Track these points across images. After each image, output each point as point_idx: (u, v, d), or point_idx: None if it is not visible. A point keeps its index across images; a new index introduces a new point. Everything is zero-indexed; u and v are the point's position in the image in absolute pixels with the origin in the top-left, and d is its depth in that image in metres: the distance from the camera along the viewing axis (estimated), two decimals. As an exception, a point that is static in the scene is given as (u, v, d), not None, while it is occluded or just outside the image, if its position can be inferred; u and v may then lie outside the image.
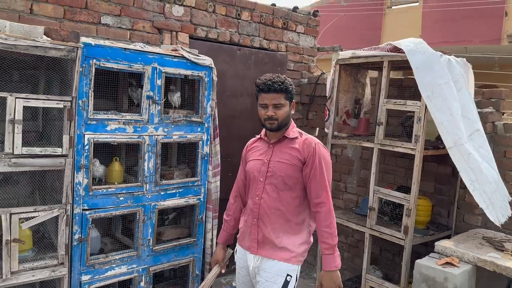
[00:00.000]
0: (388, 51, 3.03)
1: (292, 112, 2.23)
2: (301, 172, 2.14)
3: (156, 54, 2.74)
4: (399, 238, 2.93)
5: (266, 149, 2.25)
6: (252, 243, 2.21)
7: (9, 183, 2.64)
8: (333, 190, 4.29)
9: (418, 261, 2.55)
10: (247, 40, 4.02)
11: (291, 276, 2.14)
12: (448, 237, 3.00)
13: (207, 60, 2.99)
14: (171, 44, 3.40)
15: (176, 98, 2.97)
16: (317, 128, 4.51)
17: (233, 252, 2.44)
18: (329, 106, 3.64)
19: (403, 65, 3.03)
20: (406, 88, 3.45)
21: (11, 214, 2.19)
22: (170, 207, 2.95)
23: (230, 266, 2.86)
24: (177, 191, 2.94)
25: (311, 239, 2.26)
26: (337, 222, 3.54)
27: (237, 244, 2.36)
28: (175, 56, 2.83)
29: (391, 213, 3.19)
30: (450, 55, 2.99)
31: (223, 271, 2.48)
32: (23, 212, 2.24)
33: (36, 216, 2.27)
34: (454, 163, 2.74)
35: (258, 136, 2.37)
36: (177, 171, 3.05)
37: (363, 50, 3.29)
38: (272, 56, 4.23)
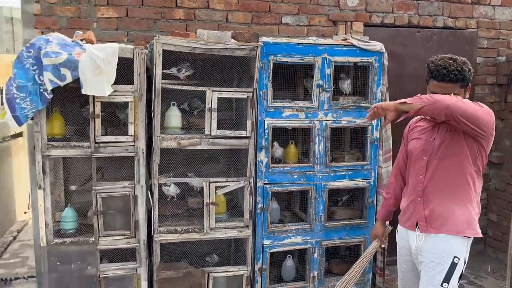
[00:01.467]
0: None
1: (467, 96, 2.10)
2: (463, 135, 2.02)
3: (326, 45, 2.97)
4: None
5: (431, 128, 2.18)
6: (420, 221, 2.16)
7: (212, 161, 3.32)
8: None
9: None
10: (428, 21, 3.84)
11: (459, 258, 2.04)
12: None
13: (378, 46, 3.05)
14: (345, 34, 3.57)
15: (346, 85, 3.14)
16: (518, 112, 3.95)
17: (392, 229, 2.48)
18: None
19: None
20: None
21: (209, 183, 2.80)
22: (339, 187, 3.15)
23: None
24: (346, 173, 3.12)
25: (478, 210, 2.12)
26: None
27: (398, 224, 2.38)
28: (344, 45, 3.00)
29: None
30: None
31: (382, 245, 2.54)
32: (218, 182, 2.83)
33: (227, 186, 2.83)
34: None
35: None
36: (348, 155, 3.23)
37: None
38: (459, 34, 3.91)
